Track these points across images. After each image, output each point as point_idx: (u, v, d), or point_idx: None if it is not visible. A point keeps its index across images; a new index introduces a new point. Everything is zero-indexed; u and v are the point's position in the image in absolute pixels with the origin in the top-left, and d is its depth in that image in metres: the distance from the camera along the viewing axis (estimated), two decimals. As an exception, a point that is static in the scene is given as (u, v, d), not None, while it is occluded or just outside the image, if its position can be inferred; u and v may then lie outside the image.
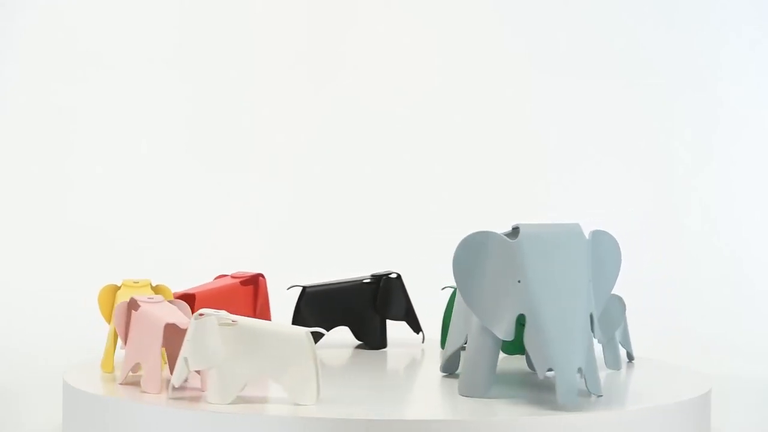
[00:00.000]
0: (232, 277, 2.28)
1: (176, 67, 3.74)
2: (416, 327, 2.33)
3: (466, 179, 3.71)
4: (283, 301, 2.36)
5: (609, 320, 1.93)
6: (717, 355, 2.80)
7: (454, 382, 1.77)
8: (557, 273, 1.62)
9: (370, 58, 3.81)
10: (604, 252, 1.70)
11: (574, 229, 1.66)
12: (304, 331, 1.66)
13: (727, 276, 3.47)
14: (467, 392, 1.68)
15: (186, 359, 1.64)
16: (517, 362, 2.01)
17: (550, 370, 1.60)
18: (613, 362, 1.96)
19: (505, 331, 1.64)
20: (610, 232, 1.73)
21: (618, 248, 1.72)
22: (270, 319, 2.31)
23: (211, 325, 1.65)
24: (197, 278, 2.32)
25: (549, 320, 1.60)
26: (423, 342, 2.32)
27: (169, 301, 1.88)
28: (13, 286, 3.26)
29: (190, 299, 2.12)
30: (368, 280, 2.32)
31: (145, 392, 1.71)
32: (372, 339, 2.30)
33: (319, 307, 2.29)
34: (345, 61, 3.80)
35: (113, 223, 3.54)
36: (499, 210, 3.61)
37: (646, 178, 3.70)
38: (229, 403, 1.62)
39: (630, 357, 2.08)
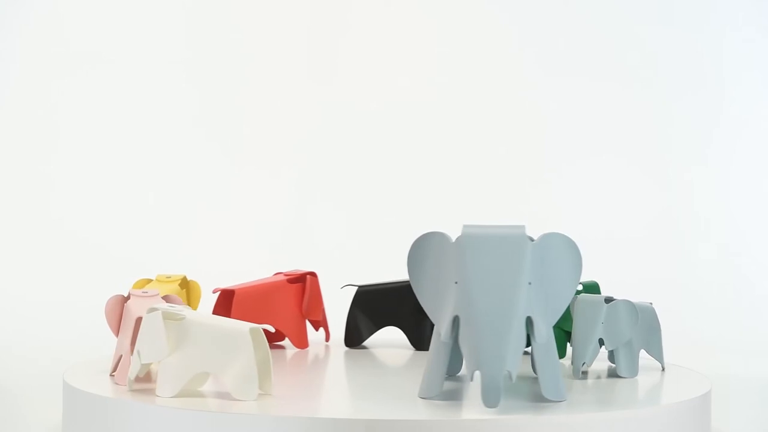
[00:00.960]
0: (285, 275, 2.30)
1: (176, 67, 3.74)
2: None
3: (466, 179, 3.71)
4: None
5: (616, 328, 1.87)
6: (717, 355, 2.80)
7: (454, 383, 1.76)
8: (493, 275, 1.60)
9: (370, 58, 3.81)
10: (555, 255, 1.66)
11: (516, 232, 1.65)
12: (247, 328, 1.68)
13: (727, 276, 3.47)
14: (421, 393, 1.68)
15: (138, 352, 1.69)
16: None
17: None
18: (624, 369, 1.89)
19: (444, 331, 1.63)
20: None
21: (573, 250, 1.67)
22: (319, 317, 2.32)
23: (158, 320, 1.69)
24: (197, 278, 2.32)
25: (479, 322, 1.58)
26: None
27: (164, 297, 1.89)
28: (13, 287, 3.27)
29: (229, 295, 2.18)
30: None
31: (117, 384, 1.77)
32: (421, 340, 2.27)
33: (371, 306, 2.30)
34: (345, 61, 3.80)
35: (113, 223, 3.54)
36: (499, 210, 3.62)
37: (645, 178, 3.70)
38: (172, 397, 1.65)
39: (662, 368, 2.00)
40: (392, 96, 3.76)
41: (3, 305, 3.16)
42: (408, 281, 2.26)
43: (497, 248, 1.63)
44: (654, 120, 3.76)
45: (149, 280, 2.19)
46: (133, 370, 1.71)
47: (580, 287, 2.13)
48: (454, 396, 1.70)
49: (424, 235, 1.69)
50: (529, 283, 1.61)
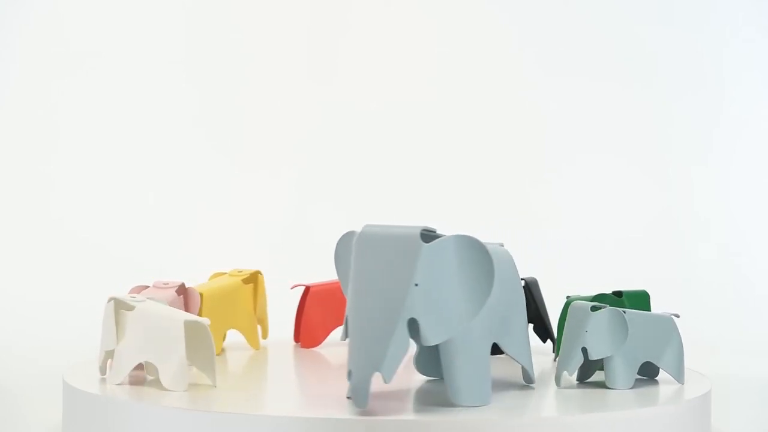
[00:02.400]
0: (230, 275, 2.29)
1: (176, 67, 3.74)
2: (543, 335, 2.24)
3: (467, 179, 3.71)
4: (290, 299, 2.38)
5: (599, 337, 1.79)
6: (717, 355, 2.80)
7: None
8: (378, 275, 1.58)
9: (370, 58, 3.81)
10: (456, 257, 1.61)
11: (409, 232, 1.60)
12: (182, 319, 1.73)
13: (727, 276, 3.47)
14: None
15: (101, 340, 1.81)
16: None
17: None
18: (611, 379, 1.80)
19: (342, 331, 1.64)
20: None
21: (481, 253, 1.62)
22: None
23: (109, 309, 1.80)
24: (195, 278, 2.32)
25: (355, 322, 1.58)
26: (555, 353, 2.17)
27: (149, 297, 1.90)
28: (13, 287, 3.26)
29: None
30: None
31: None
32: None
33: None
34: (345, 61, 3.80)
35: (113, 223, 3.54)
36: (499, 210, 3.62)
37: (645, 178, 3.70)
38: (117, 384, 1.74)
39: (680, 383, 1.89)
40: (392, 96, 3.76)
41: (3, 305, 3.16)
42: None
43: (385, 248, 1.59)
44: (654, 120, 3.76)
45: (222, 273, 2.29)
46: (99, 358, 1.83)
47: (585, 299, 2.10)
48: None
49: (344, 234, 1.68)
50: (416, 285, 1.57)
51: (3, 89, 3.62)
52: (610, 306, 1.86)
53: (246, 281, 2.28)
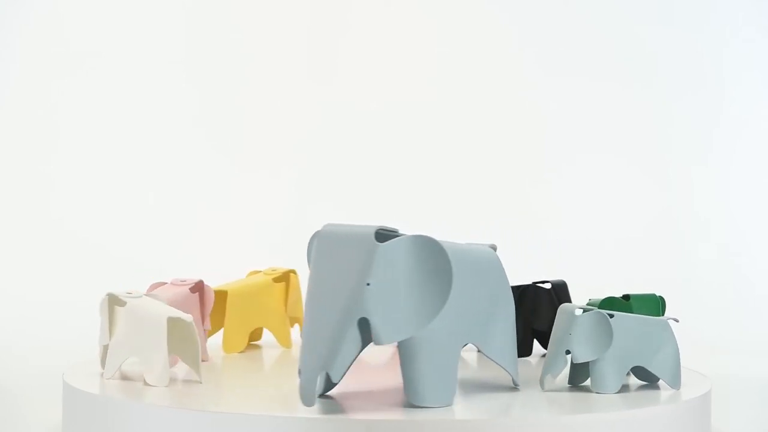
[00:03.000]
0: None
1: (176, 67, 3.74)
2: None
3: (467, 179, 3.71)
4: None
5: (582, 340, 1.75)
6: (717, 355, 2.80)
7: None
8: (331, 274, 1.59)
9: (370, 58, 3.81)
10: (412, 257, 1.60)
11: (364, 231, 1.60)
12: (166, 316, 1.78)
13: (727, 276, 3.47)
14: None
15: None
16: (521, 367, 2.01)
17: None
18: (596, 383, 1.76)
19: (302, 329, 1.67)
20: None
21: (438, 254, 1.60)
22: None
23: (104, 305, 1.87)
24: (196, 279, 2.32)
25: (306, 321, 1.59)
26: None
27: (147, 295, 1.94)
28: (13, 287, 3.26)
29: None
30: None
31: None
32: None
33: None
34: (345, 61, 3.80)
35: (113, 223, 3.54)
36: (499, 210, 3.62)
37: (645, 178, 3.70)
38: (108, 378, 1.81)
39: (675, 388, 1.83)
40: (392, 96, 3.76)
41: (3, 305, 3.16)
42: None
43: (340, 248, 1.60)
44: (654, 120, 3.76)
45: (258, 272, 2.34)
46: (99, 352, 1.90)
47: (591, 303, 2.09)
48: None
49: (314, 234, 1.69)
50: (368, 285, 1.56)
51: (3, 89, 3.62)
52: (617, 310, 1.84)
53: (277, 280, 2.31)
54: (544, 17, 3.82)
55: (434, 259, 1.60)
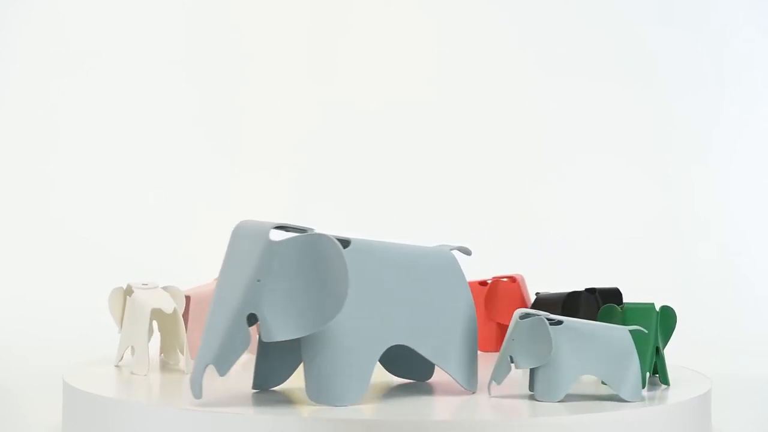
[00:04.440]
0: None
1: (176, 67, 3.74)
2: None
3: (467, 179, 3.71)
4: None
5: (520, 346, 1.68)
6: (717, 355, 2.80)
7: (453, 383, 1.76)
8: (231, 270, 1.61)
9: (370, 58, 3.81)
10: (315, 257, 1.60)
11: (260, 228, 1.62)
12: (150, 307, 1.89)
13: (727, 276, 3.47)
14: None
15: None
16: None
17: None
18: (538, 391, 1.68)
19: None
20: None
21: (332, 253, 1.59)
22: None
23: (116, 294, 1.99)
24: (198, 278, 2.32)
25: (207, 316, 1.61)
26: None
27: (163, 288, 1.98)
28: (13, 286, 3.27)
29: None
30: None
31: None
32: None
33: None
34: (345, 61, 3.81)
35: (113, 223, 3.54)
36: (499, 210, 3.62)
37: (645, 178, 3.70)
38: (115, 365, 1.95)
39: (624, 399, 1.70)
40: (392, 96, 3.76)
41: (3, 305, 3.16)
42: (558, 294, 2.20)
43: (241, 244, 1.62)
44: (654, 120, 3.76)
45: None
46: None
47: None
48: (452, 396, 1.70)
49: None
50: (258, 281, 1.57)
51: (3, 89, 3.62)
52: (613, 319, 1.81)
53: None
54: (544, 17, 3.82)
55: (329, 260, 1.60)
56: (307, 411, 1.57)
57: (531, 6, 3.82)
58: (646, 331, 1.78)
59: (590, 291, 2.13)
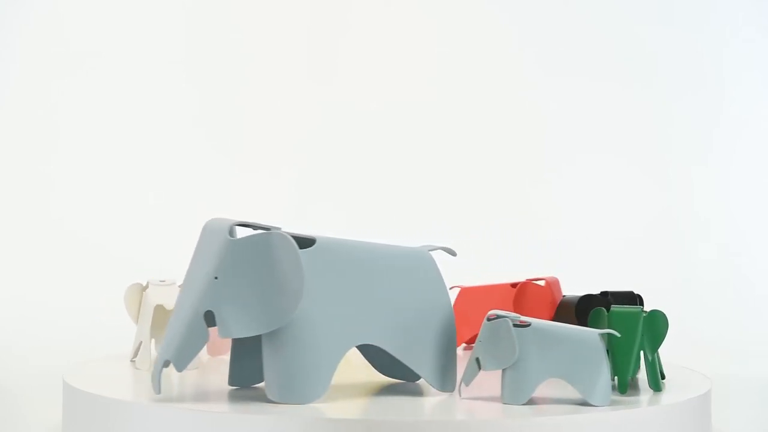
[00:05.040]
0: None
1: (176, 67, 3.74)
2: None
3: (466, 179, 3.71)
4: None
5: (484, 347, 1.66)
6: (717, 355, 2.80)
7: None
8: (195, 267, 1.64)
9: (370, 58, 3.81)
10: (272, 255, 1.61)
11: (220, 225, 1.64)
12: (154, 304, 1.95)
13: (727, 276, 3.47)
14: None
15: None
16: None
17: None
18: (505, 394, 1.65)
19: None
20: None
21: (288, 252, 1.60)
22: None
23: (134, 290, 2.05)
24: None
25: (172, 312, 1.66)
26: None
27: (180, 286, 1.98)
28: (13, 286, 3.26)
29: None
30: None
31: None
32: None
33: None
34: (345, 61, 3.80)
35: (113, 223, 3.54)
36: (499, 210, 3.62)
37: (645, 178, 3.70)
38: (131, 360, 2.01)
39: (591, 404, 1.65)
40: (392, 96, 3.76)
41: (3, 305, 3.16)
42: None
43: (205, 241, 1.65)
44: (654, 120, 3.76)
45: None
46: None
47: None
48: (452, 396, 1.70)
49: None
50: (216, 278, 1.59)
51: (3, 89, 3.62)
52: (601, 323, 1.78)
53: None
54: (544, 17, 3.82)
55: (283, 258, 1.61)
56: (308, 411, 1.57)
57: (531, 6, 3.82)
58: (618, 335, 1.74)
59: (603, 294, 2.11)
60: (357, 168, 3.71)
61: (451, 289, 2.29)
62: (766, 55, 3.77)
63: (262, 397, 1.67)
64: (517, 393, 1.64)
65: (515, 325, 1.65)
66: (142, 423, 1.59)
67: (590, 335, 1.66)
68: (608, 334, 1.73)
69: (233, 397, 1.67)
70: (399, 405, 1.63)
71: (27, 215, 3.49)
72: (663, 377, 1.86)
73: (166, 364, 1.60)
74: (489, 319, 1.67)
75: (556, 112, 3.75)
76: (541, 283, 2.28)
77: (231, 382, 1.73)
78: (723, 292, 3.39)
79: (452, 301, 2.25)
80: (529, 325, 1.65)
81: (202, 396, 1.69)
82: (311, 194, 3.66)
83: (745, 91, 3.76)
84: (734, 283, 3.44)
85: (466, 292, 2.34)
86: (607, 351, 1.74)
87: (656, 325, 1.80)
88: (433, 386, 1.73)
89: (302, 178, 3.70)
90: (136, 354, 2.01)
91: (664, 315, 1.80)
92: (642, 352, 1.79)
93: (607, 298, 2.07)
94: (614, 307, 1.80)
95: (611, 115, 3.75)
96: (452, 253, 1.82)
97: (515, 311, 2.26)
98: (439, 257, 1.80)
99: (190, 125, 3.70)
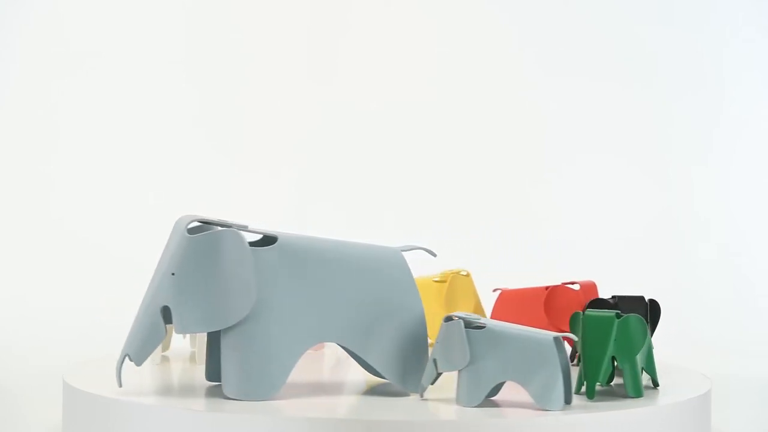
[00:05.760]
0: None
1: (176, 67, 3.74)
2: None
3: (466, 179, 3.71)
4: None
5: (448, 349, 1.64)
6: (717, 355, 2.80)
7: (453, 384, 1.76)
8: (158, 265, 1.69)
9: (370, 58, 3.81)
10: (227, 252, 1.64)
11: (181, 222, 1.69)
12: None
13: (727, 276, 3.47)
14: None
15: None
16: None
17: None
18: (457, 394, 1.64)
19: None
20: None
21: (239, 250, 1.63)
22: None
23: None
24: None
25: None
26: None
27: None
28: (13, 287, 3.26)
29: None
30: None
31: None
32: None
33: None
34: (345, 61, 3.80)
35: (113, 223, 3.54)
36: (499, 209, 3.62)
37: (645, 178, 3.70)
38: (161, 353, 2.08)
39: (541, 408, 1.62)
40: (392, 96, 3.76)
41: (3, 305, 3.16)
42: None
43: (170, 238, 1.70)
44: (654, 120, 3.76)
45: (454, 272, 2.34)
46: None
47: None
48: (452, 396, 1.70)
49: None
50: (173, 274, 1.63)
51: (3, 89, 3.62)
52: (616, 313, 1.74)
53: (439, 282, 2.33)
54: (544, 17, 3.82)
55: (237, 256, 1.63)
56: (308, 411, 1.57)
57: (531, 6, 3.82)
58: (576, 338, 1.70)
59: (613, 298, 2.08)
60: (357, 168, 3.71)
61: (493, 291, 2.32)
62: (766, 55, 3.77)
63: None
64: (470, 395, 1.63)
65: (472, 327, 1.63)
66: (142, 423, 1.59)
67: (545, 338, 1.61)
68: (580, 338, 1.71)
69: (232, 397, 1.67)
70: (399, 405, 1.63)
71: (27, 215, 3.49)
72: (656, 385, 1.82)
73: (126, 358, 1.64)
74: (445, 320, 1.66)
75: (556, 112, 3.76)
76: (575, 287, 2.28)
77: (208, 378, 1.75)
78: (723, 292, 3.39)
79: (491, 303, 2.30)
80: (484, 326, 1.63)
81: (202, 396, 1.69)
82: (311, 194, 3.66)
83: (745, 91, 3.76)
84: (734, 283, 3.44)
85: (505, 295, 2.32)
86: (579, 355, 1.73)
87: (630, 331, 1.72)
88: (397, 385, 1.72)
89: (302, 178, 3.70)
90: (167, 349, 2.11)
91: (640, 321, 1.73)
92: (614, 359, 1.72)
93: (615, 302, 2.03)
94: (588, 311, 1.76)
95: (611, 115, 3.75)
96: (432, 253, 1.80)
97: (547, 314, 2.26)
98: (420, 257, 1.79)
99: (190, 125, 3.70)
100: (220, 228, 1.67)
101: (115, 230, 3.51)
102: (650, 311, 1.98)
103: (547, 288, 2.30)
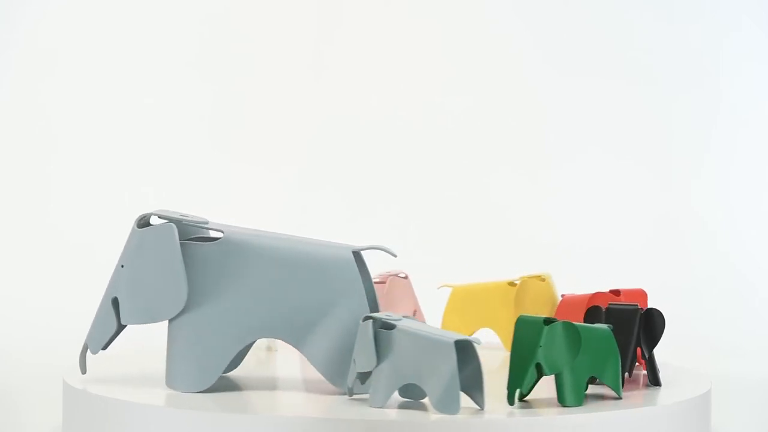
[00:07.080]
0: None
1: (177, 67, 3.74)
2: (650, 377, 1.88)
3: (466, 178, 3.71)
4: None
5: (367, 350, 1.62)
6: (717, 355, 2.80)
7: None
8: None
9: (370, 59, 3.81)
10: (161, 246, 1.70)
11: (138, 217, 1.76)
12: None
13: (727, 277, 3.47)
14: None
15: None
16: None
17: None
18: (369, 396, 1.63)
19: None
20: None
21: (168, 245, 1.68)
22: None
23: None
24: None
25: None
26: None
27: None
28: (13, 287, 3.26)
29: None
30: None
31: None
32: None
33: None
34: (345, 61, 3.81)
35: (113, 223, 3.54)
36: (499, 209, 3.62)
37: (646, 178, 3.70)
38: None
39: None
40: (392, 96, 3.76)
41: (3, 306, 3.16)
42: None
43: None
44: (654, 120, 3.76)
45: (535, 276, 2.34)
46: None
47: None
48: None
49: None
50: (122, 266, 1.72)
51: (2, 89, 3.62)
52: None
53: (512, 284, 2.32)
54: (547, 17, 3.82)
55: (167, 250, 1.69)
56: (308, 411, 1.57)
57: (533, 6, 3.82)
58: (480, 342, 1.60)
59: (615, 293, 2.10)
60: (357, 167, 3.71)
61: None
62: (766, 55, 3.77)
63: (262, 397, 1.67)
64: (376, 395, 1.61)
65: (384, 327, 1.63)
66: (142, 423, 1.59)
67: (445, 341, 1.56)
68: (514, 341, 1.65)
69: (234, 397, 1.67)
70: (399, 405, 1.63)
71: (26, 216, 3.49)
72: (619, 397, 1.70)
73: (86, 347, 1.75)
74: (362, 320, 1.65)
75: (556, 112, 3.76)
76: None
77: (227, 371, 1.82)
78: (723, 292, 3.39)
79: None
80: (394, 326, 1.62)
81: (202, 396, 1.69)
82: (311, 194, 3.66)
83: (745, 91, 3.76)
84: (734, 283, 3.44)
85: (567, 301, 2.23)
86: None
87: (559, 339, 1.63)
88: (330, 383, 1.73)
89: (302, 177, 3.70)
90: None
91: (571, 327, 1.64)
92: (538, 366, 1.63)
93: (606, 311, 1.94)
94: (521, 316, 1.69)
95: (612, 115, 3.75)
96: (392, 253, 1.77)
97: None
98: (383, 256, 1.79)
99: (190, 125, 3.70)
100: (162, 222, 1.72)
101: (115, 230, 3.50)
102: (645, 323, 1.85)
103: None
